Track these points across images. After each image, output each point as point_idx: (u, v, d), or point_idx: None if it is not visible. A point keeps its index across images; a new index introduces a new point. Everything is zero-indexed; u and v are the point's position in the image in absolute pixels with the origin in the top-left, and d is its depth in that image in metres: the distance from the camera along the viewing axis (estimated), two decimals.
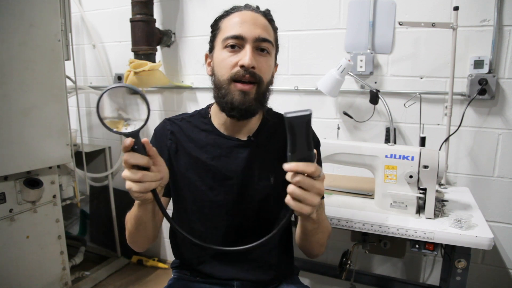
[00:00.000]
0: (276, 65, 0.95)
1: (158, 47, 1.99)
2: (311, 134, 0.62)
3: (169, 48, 2.02)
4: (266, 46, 0.85)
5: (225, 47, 0.84)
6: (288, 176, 0.64)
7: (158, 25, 1.97)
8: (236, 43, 0.83)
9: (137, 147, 0.66)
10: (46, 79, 1.50)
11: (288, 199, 0.66)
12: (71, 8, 1.75)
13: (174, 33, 1.99)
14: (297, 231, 0.91)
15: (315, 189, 0.64)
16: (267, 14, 0.90)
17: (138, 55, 1.87)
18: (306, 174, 0.63)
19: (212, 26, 0.92)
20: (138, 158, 0.66)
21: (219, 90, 0.86)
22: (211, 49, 0.92)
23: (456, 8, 1.36)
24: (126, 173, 0.67)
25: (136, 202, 0.77)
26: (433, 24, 1.35)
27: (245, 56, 0.82)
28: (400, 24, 1.40)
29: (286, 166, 0.63)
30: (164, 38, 1.98)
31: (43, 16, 1.47)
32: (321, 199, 0.70)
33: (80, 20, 2.22)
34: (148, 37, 1.86)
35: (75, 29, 2.20)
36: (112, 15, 2.13)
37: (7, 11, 1.35)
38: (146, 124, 0.64)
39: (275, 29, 0.92)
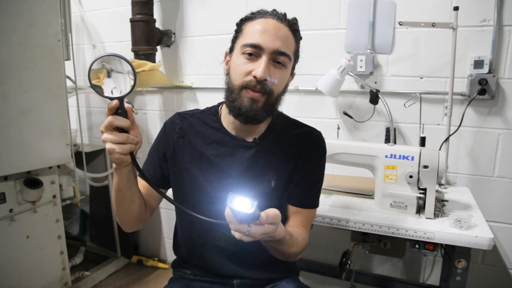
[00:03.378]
0: (293, 74, 0.95)
1: (158, 47, 1.99)
2: (252, 217, 0.66)
3: (169, 48, 2.02)
4: (283, 59, 0.85)
5: (243, 53, 0.85)
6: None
7: (158, 25, 1.97)
8: (254, 52, 0.84)
9: (121, 112, 0.72)
10: (46, 79, 1.50)
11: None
12: (71, 8, 1.75)
13: (174, 33, 1.99)
14: None
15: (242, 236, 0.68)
16: (292, 24, 0.89)
17: (138, 55, 1.87)
18: None
19: (237, 25, 0.92)
20: (122, 121, 0.71)
21: (231, 93, 0.87)
22: (231, 49, 0.92)
23: (456, 8, 1.36)
24: (108, 135, 0.71)
25: (115, 171, 0.80)
26: (433, 24, 1.35)
27: (259, 67, 0.82)
28: (400, 24, 1.40)
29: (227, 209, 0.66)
30: (164, 38, 1.98)
31: (43, 16, 1.47)
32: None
33: (80, 20, 2.22)
34: (148, 37, 1.86)
35: (75, 29, 2.20)
36: (112, 15, 2.13)
37: (7, 11, 1.35)
38: (131, 92, 0.71)
39: (297, 40, 0.91)
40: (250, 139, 0.94)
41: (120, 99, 0.71)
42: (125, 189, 0.83)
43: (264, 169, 0.94)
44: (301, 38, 0.93)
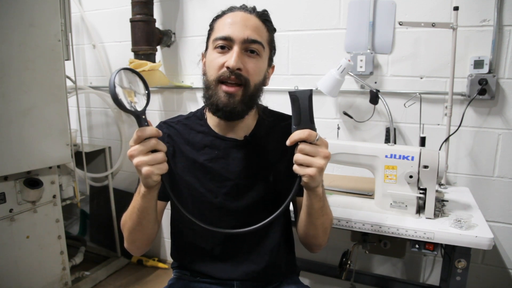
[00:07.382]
0: (272, 66, 0.95)
1: (158, 47, 1.99)
2: (312, 108, 0.73)
3: (169, 48, 2.02)
4: (255, 47, 0.85)
5: (215, 47, 0.85)
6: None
7: (158, 25, 1.97)
8: (225, 44, 0.84)
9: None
10: (46, 79, 1.50)
11: (294, 167, 0.74)
12: (71, 8, 1.75)
13: (174, 33, 1.99)
14: (301, 217, 0.90)
15: (318, 153, 0.72)
16: (261, 15, 0.88)
17: (138, 55, 1.87)
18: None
19: (209, 25, 0.92)
20: (157, 143, 0.69)
21: (207, 90, 0.87)
22: (206, 48, 0.92)
23: (456, 8, 1.36)
24: (143, 158, 0.68)
25: (141, 193, 0.77)
26: (433, 24, 1.35)
27: (231, 57, 0.82)
28: (400, 24, 1.40)
29: (288, 141, 0.73)
30: (164, 38, 1.98)
31: (43, 16, 1.47)
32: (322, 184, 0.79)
33: (80, 20, 2.22)
34: (148, 37, 1.86)
35: (75, 29, 2.20)
36: (112, 15, 2.13)
37: (7, 11, 1.35)
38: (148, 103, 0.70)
39: (270, 30, 0.90)
40: (240, 138, 0.93)
41: (142, 113, 0.68)
42: (152, 211, 0.81)
43: (260, 166, 0.94)
44: (274, 29, 0.92)
